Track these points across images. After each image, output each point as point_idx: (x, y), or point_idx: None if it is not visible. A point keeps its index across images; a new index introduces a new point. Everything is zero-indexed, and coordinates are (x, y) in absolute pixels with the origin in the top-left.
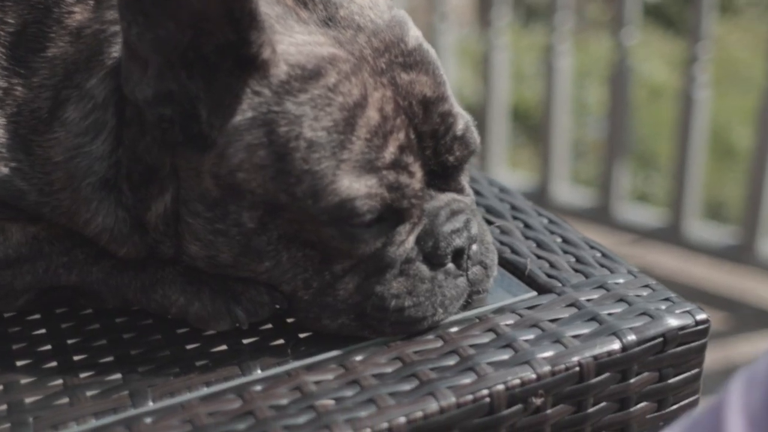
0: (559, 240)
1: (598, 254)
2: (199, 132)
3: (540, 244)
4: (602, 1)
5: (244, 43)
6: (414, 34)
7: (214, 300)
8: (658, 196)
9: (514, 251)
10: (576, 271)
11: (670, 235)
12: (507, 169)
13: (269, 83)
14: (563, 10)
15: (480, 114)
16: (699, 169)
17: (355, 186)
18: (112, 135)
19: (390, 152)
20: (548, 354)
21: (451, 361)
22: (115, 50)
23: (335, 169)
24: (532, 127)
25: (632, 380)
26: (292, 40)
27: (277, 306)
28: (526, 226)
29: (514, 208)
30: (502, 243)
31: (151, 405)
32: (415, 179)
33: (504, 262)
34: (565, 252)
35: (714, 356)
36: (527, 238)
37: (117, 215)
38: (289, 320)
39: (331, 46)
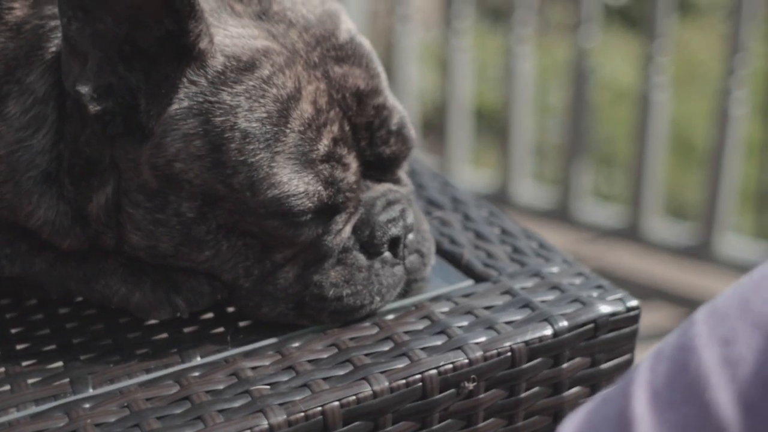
0: (497, 231)
1: (535, 244)
2: (137, 123)
3: (479, 235)
4: (566, 4)
5: (183, 33)
6: (346, 27)
7: (155, 290)
8: (619, 195)
9: (452, 241)
10: (512, 260)
11: (630, 233)
12: (469, 169)
13: (206, 73)
14: (524, 12)
15: (442, 114)
16: (658, 167)
17: (294, 182)
18: (53, 129)
19: (324, 144)
20: (481, 339)
21: (386, 347)
22: (54, 45)
23: (270, 161)
24: (496, 129)
25: (564, 365)
26: (227, 33)
27: (218, 296)
28: (466, 217)
29: (455, 200)
30: (441, 234)
31: (90, 391)
32: (350, 171)
33: (442, 252)
34: (503, 242)
35: None
36: (466, 229)
37: (58, 208)
38: (230, 309)
39: (265, 39)
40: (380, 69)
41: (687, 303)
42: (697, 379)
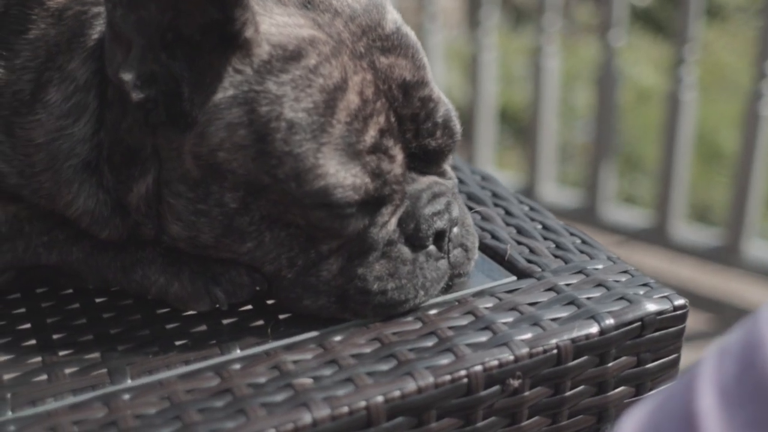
0: (539, 227)
1: (578, 241)
2: (180, 111)
3: (520, 231)
4: (592, 5)
5: (228, 21)
6: (392, 18)
7: (194, 281)
8: (644, 198)
9: (494, 237)
10: (555, 256)
11: (656, 235)
12: (494, 170)
13: (251, 62)
14: (551, 12)
15: (468, 115)
16: (685, 171)
17: (341, 174)
18: (93, 117)
19: (370, 136)
20: (526, 336)
21: (430, 342)
22: (96, 32)
23: (316, 152)
24: (520, 130)
25: (610, 364)
26: (273, 21)
27: (257, 287)
28: (507, 213)
29: (495, 195)
30: (483, 229)
31: (129, 382)
32: (396, 163)
33: (484, 248)
34: (545, 238)
35: (698, 356)
36: (508, 224)
37: (98, 197)
38: (269, 302)
39: (311, 28)
40: (425, 60)
41: (714, 307)
42: (765, 376)
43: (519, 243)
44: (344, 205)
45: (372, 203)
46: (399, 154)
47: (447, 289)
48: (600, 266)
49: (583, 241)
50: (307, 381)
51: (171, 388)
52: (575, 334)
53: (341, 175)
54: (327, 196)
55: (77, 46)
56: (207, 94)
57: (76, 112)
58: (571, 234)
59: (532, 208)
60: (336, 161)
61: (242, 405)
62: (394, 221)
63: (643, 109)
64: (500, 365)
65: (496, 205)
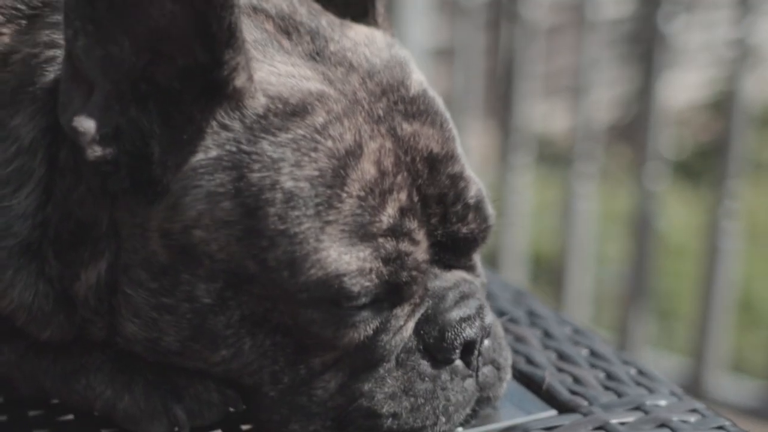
0: (585, 352)
1: (633, 371)
2: (148, 177)
3: (562, 356)
4: (625, 154)
5: (216, 65)
6: (417, 78)
7: (149, 394)
8: (679, 349)
9: (530, 362)
10: (606, 388)
11: (693, 388)
12: None
13: (242, 116)
14: (587, 155)
15: (495, 257)
16: (723, 325)
17: (345, 258)
18: (39, 187)
19: (388, 215)
20: None
21: None
22: (50, 80)
23: (319, 233)
24: (551, 276)
25: None
26: (273, 69)
27: (230, 408)
28: (546, 334)
29: (532, 313)
30: (516, 352)
31: None
32: (420, 249)
33: (518, 375)
34: (593, 366)
35: None
36: (547, 347)
37: (38, 289)
38: (245, 427)
39: (320, 82)
40: (455, 132)
41: None
42: None
43: (560, 370)
44: (352, 297)
45: (384, 300)
46: (423, 240)
47: (472, 415)
48: (662, 402)
49: (640, 372)
50: None
51: None
52: None
53: (345, 259)
54: (327, 288)
55: (24, 97)
56: (183, 155)
57: (16, 180)
58: (625, 363)
59: (576, 330)
60: (343, 244)
61: None
62: (411, 326)
63: (680, 261)
64: None
65: (532, 324)
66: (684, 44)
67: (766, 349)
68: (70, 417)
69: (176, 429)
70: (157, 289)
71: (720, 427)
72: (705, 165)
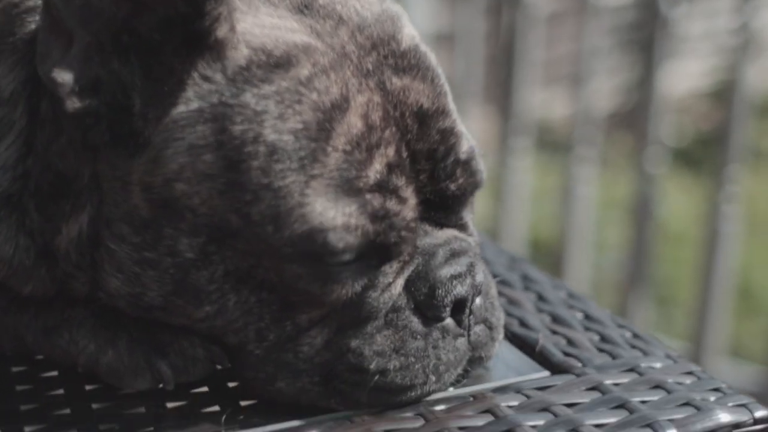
0: (580, 316)
1: (629, 334)
2: (129, 129)
3: (556, 319)
4: (625, 141)
5: (197, 16)
6: (409, 33)
7: (133, 350)
8: (677, 336)
9: (523, 324)
10: (600, 350)
11: None
12: None
13: (224, 68)
14: (587, 140)
15: (496, 242)
16: (722, 312)
17: (330, 213)
18: (20, 139)
19: (375, 170)
20: None
21: None
22: (30, 31)
23: (304, 187)
24: (549, 261)
25: None
26: (257, 21)
27: (216, 364)
28: (541, 298)
29: (526, 278)
30: (509, 315)
31: None
32: (407, 207)
33: (511, 337)
34: (588, 329)
35: None
36: (541, 311)
37: (18, 242)
38: (231, 384)
39: (307, 35)
40: (447, 87)
41: None
42: None
43: (554, 333)
44: (334, 253)
45: (372, 257)
46: (411, 197)
47: (463, 376)
48: (658, 365)
49: (635, 335)
50: None
51: None
52: None
53: (330, 214)
54: (311, 242)
55: (4, 48)
56: (165, 106)
57: None
58: (620, 326)
59: (571, 295)
60: (328, 198)
61: None
62: (400, 283)
63: (678, 247)
64: None
65: (526, 288)
66: (685, 33)
67: (765, 336)
68: (54, 373)
69: (161, 385)
70: (140, 244)
71: (716, 389)
72: (705, 153)
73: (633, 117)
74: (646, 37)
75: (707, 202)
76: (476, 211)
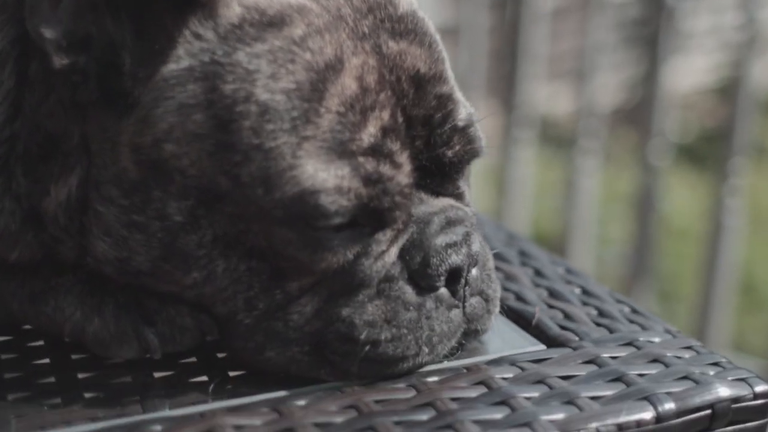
0: (577, 291)
1: (627, 309)
2: (119, 88)
3: (553, 294)
4: (629, 136)
5: None
6: None
7: (120, 318)
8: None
9: (520, 298)
10: (598, 325)
11: None
12: None
13: (215, 26)
14: (590, 133)
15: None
16: (725, 307)
17: (322, 175)
18: (8, 100)
19: (369, 133)
20: (556, 417)
21: (425, 416)
22: None
23: (295, 149)
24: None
25: None
26: None
27: (205, 334)
28: (538, 273)
29: (523, 254)
30: (505, 289)
31: None
32: (402, 172)
33: (507, 311)
34: (585, 304)
35: None
36: (538, 286)
37: (4, 206)
38: (220, 355)
39: None
40: (445, 54)
41: None
42: None
43: (551, 307)
44: (327, 215)
45: (365, 224)
46: (406, 163)
47: (457, 349)
48: (656, 339)
49: (634, 310)
50: None
51: None
52: (623, 418)
53: (322, 176)
54: (303, 205)
55: None
56: (155, 65)
57: None
58: (618, 301)
59: (569, 270)
60: (320, 160)
61: None
62: (394, 251)
63: (682, 243)
64: None
65: (524, 264)
66: (691, 28)
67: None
68: (40, 342)
69: (148, 355)
70: (128, 207)
71: (715, 363)
72: (709, 149)
73: (637, 112)
74: (651, 32)
75: (711, 197)
76: (478, 204)
